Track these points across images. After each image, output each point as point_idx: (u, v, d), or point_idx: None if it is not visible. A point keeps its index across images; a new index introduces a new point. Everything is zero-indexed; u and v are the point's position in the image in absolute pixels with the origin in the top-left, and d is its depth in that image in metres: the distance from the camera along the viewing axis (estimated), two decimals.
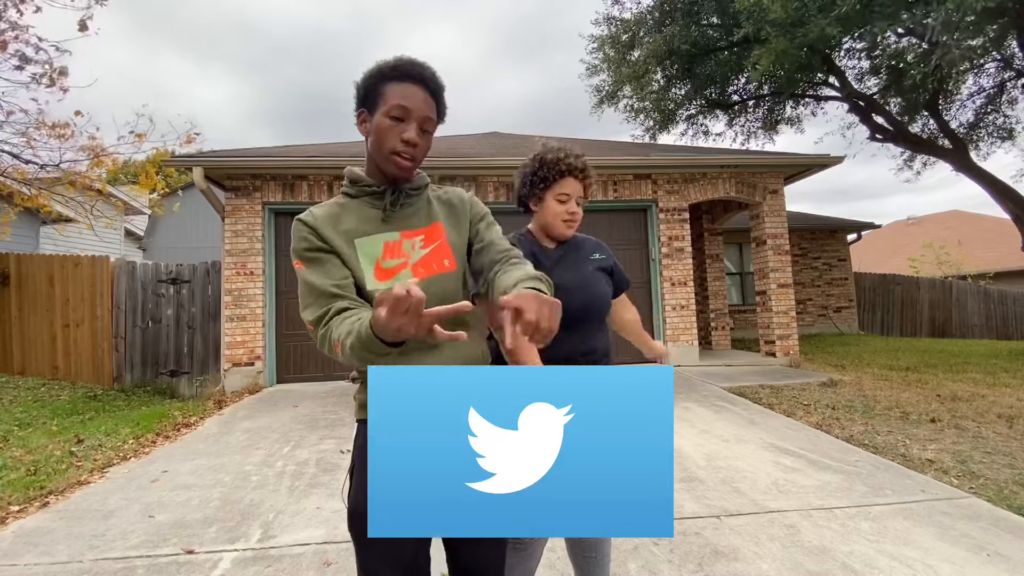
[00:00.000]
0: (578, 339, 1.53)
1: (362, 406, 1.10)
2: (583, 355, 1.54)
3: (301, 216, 1.10)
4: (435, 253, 1.12)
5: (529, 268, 1.05)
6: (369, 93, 1.09)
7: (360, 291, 1.07)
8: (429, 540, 1.11)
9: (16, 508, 2.87)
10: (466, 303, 0.82)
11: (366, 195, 1.13)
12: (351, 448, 1.13)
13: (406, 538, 1.02)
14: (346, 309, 1.00)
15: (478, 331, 1.16)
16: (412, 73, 1.07)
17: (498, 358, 1.46)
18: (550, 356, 1.43)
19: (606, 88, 11.44)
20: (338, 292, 1.02)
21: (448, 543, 1.16)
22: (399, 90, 1.06)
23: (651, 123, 11.68)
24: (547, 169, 1.52)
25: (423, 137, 1.09)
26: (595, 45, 11.20)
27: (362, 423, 1.10)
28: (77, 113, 6.91)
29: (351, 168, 1.17)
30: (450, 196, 1.23)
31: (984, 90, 10.08)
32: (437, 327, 0.82)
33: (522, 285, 0.92)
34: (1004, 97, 9.95)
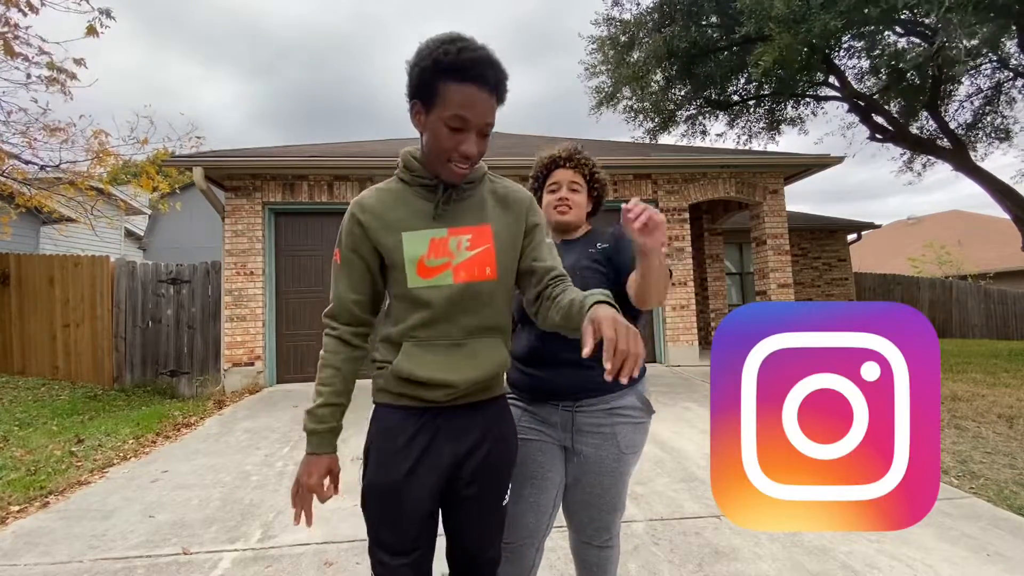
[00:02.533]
0: (562, 336, 1.42)
1: (379, 390, 1.14)
2: (567, 352, 1.36)
3: (354, 205, 1.11)
4: (479, 258, 1.09)
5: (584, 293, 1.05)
6: (424, 86, 0.99)
7: (399, 285, 1.08)
8: (436, 520, 1.13)
9: (16, 508, 2.87)
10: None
11: (419, 184, 1.10)
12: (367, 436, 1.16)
13: (412, 515, 1.08)
14: (344, 342, 1.14)
15: (503, 338, 1.16)
16: (476, 73, 0.97)
17: (516, 385, 1.48)
18: (539, 354, 1.42)
19: (606, 89, 11.43)
20: (355, 311, 1.13)
21: (449, 527, 1.18)
22: (460, 95, 0.97)
23: (651, 124, 11.67)
24: (538, 169, 1.58)
25: (481, 144, 1.03)
26: (594, 46, 11.19)
27: (380, 406, 1.15)
28: (81, 116, 6.92)
29: (408, 152, 1.13)
30: (507, 192, 1.17)
31: (982, 91, 10.08)
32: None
33: (590, 300, 0.95)
34: (1002, 98, 9.95)
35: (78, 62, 6.25)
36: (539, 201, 1.57)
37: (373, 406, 1.16)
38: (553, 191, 1.54)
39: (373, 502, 1.11)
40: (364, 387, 1.06)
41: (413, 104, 1.04)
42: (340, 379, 1.11)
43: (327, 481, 1.12)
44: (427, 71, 0.98)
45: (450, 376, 1.07)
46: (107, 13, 5.96)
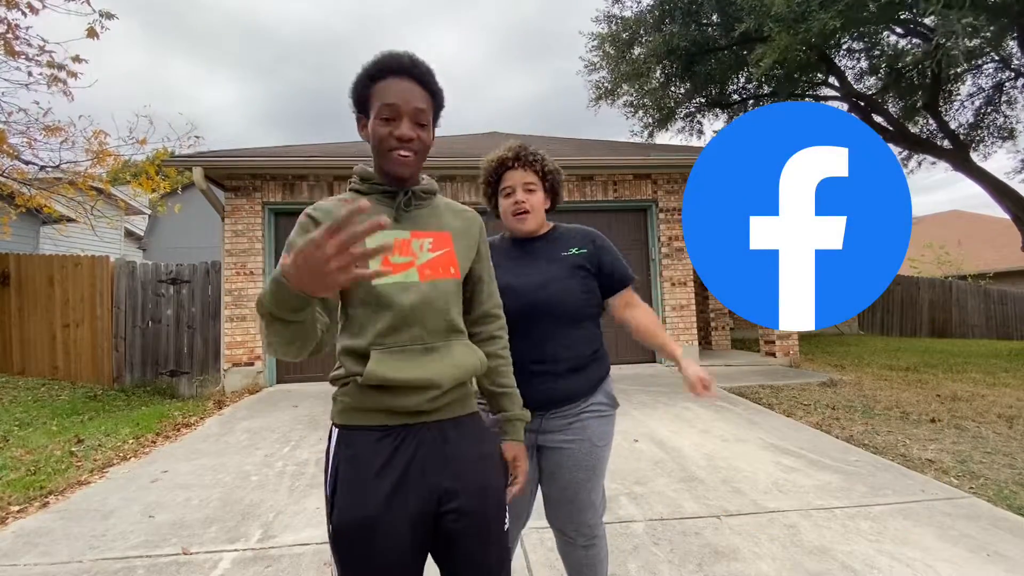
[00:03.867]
0: (528, 345, 1.40)
1: (344, 410, 1.02)
2: (533, 362, 1.40)
3: (309, 209, 1.06)
4: (442, 259, 1.11)
5: (509, 375, 1.25)
6: (361, 98, 1.08)
7: (361, 289, 1.02)
8: (421, 568, 1.01)
9: (16, 508, 2.87)
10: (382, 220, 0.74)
11: (377, 192, 1.10)
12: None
13: (392, 554, 0.94)
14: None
15: (469, 341, 1.15)
16: (393, 67, 1.05)
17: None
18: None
19: (605, 85, 11.43)
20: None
21: (441, 563, 1.06)
22: (384, 88, 1.04)
23: (650, 120, 11.67)
24: (487, 173, 1.53)
25: (419, 130, 1.06)
26: (595, 43, 11.20)
27: (344, 430, 1.02)
28: (80, 117, 6.93)
29: (362, 166, 1.15)
30: (464, 211, 1.22)
31: (983, 90, 10.08)
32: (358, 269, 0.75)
33: (509, 426, 1.23)
34: (1003, 98, 9.95)
35: (76, 59, 6.24)
36: (495, 207, 1.56)
37: (334, 433, 1.03)
38: (508, 195, 1.49)
39: (344, 546, 0.95)
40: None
41: (358, 120, 1.11)
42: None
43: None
44: (360, 83, 1.07)
45: (432, 375, 1.01)
46: (108, 15, 5.96)
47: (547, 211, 1.55)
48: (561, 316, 1.45)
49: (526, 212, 1.47)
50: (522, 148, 1.49)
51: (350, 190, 1.15)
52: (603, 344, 1.57)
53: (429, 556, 1.05)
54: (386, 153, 1.05)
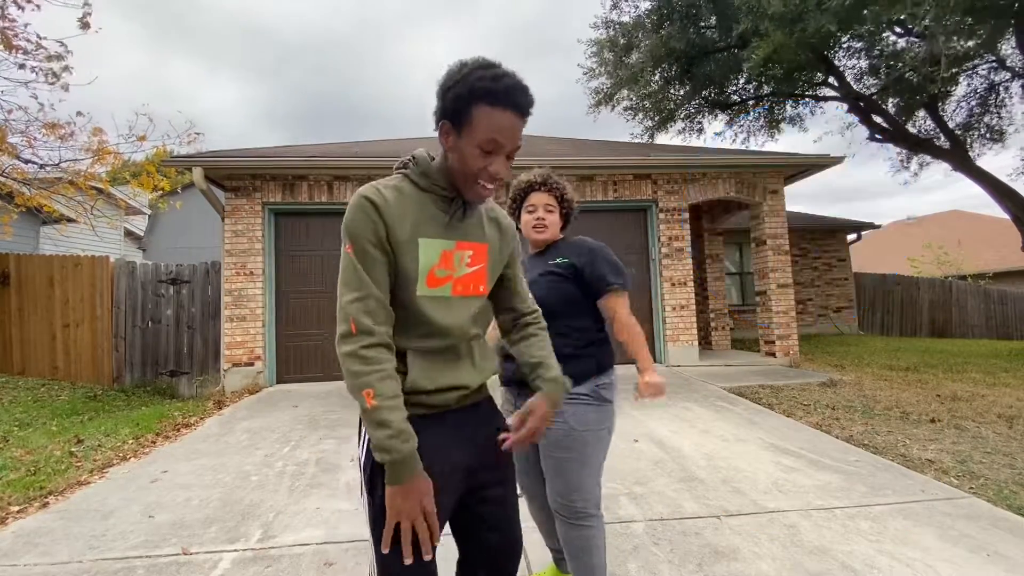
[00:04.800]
0: None
1: None
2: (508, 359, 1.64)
3: (369, 195, 1.02)
4: (475, 275, 1.13)
5: (547, 347, 1.28)
6: (458, 110, 1.00)
7: (405, 292, 1.04)
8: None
9: (16, 508, 2.87)
10: None
11: (435, 192, 1.09)
12: (360, 456, 1.08)
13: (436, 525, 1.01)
14: (390, 348, 1.01)
15: (485, 349, 1.22)
16: (511, 101, 0.99)
17: (510, 381, 1.74)
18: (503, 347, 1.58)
19: (604, 90, 11.44)
20: (387, 307, 1.02)
21: (473, 540, 1.17)
22: (494, 121, 0.99)
23: (650, 122, 11.67)
24: (516, 192, 1.85)
25: (507, 165, 1.06)
26: (593, 49, 11.20)
27: None
28: (78, 114, 6.92)
29: (424, 154, 1.11)
30: (498, 216, 1.23)
31: (977, 92, 10.08)
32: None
33: (541, 383, 1.22)
34: (998, 98, 9.95)
35: (61, 44, 6.24)
36: (517, 220, 1.85)
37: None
38: (531, 212, 1.80)
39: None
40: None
41: (442, 124, 1.04)
42: (400, 390, 1.00)
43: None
44: (462, 96, 0.99)
45: (462, 380, 1.10)
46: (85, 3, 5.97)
47: (560, 230, 1.84)
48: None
49: (544, 227, 1.78)
50: (548, 176, 1.81)
51: (405, 176, 1.10)
52: (598, 344, 1.74)
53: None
54: (472, 183, 1.04)
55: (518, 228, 1.82)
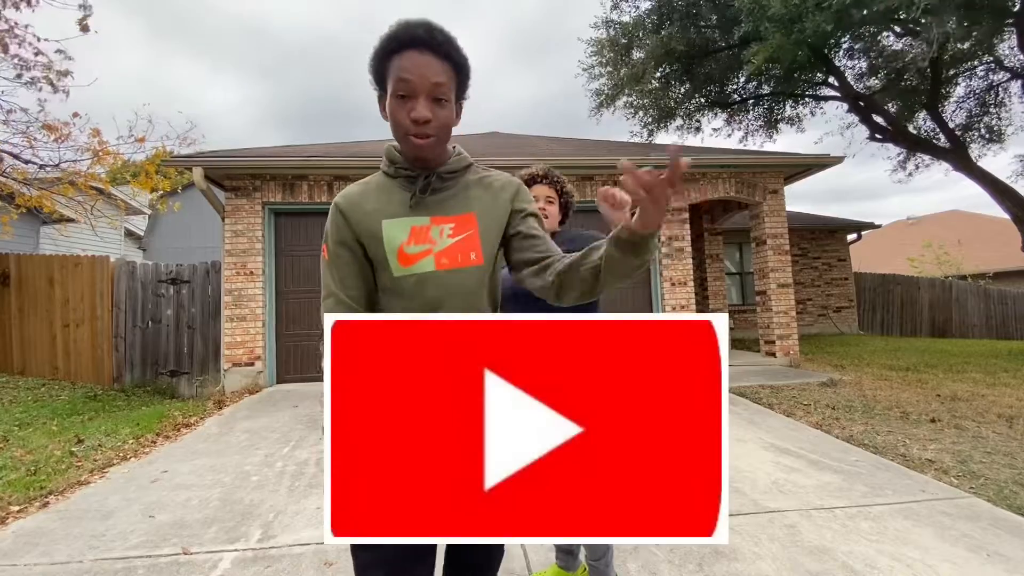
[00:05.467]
0: None
1: None
2: None
3: (336, 199, 1.08)
4: (463, 244, 1.06)
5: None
6: (377, 74, 1.02)
7: (383, 276, 1.05)
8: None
9: (16, 508, 2.87)
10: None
11: (401, 176, 1.09)
12: None
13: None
14: None
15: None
16: (408, 39, 0.97)
17: None
18: None
19: (605, 91, 11.44)
20: (348, 304, 1.05)
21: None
22: (401, 62, 0.97)
23: (649, 120, 11.67)
24: None
25: (437, 107, 0.99)
26: (594, 49, 11.20)
27: None
28: (75, 115, 6.92)
29: (390, 146, 1.12)
30: (492, 180, 1.14)
31: (975, 93, 10.09)
32: None
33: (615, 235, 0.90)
34: (997, 99, 9.96)
35: (61, 52, 6.25)
36: None
37: None
38: None
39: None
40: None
41: (378, 95, 1.05)
42: None
43: None
44: (377, 57, 1.00)
45: None
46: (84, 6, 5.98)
47: (559, 223, 1.89)
48: (529, 299, 1.55)
49: (545, 217, 1.79)
50: (549, 169, 1.88)
51: (381, 172, 1.13)
52: None
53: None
54: (403, 137, 1.01)
55: None
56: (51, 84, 6.24)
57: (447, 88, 0.99)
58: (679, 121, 11.76)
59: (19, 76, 6.12)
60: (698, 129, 11.95)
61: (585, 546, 1.71)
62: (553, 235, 1.85)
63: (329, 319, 0.86)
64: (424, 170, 1.06)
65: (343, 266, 1.06)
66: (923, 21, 7.01)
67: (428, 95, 0.97)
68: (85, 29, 5.99)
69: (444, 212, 1.07)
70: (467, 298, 1.06)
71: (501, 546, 1.17)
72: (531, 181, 1.87)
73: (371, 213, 1.05)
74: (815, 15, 6.95)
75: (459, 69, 1.01)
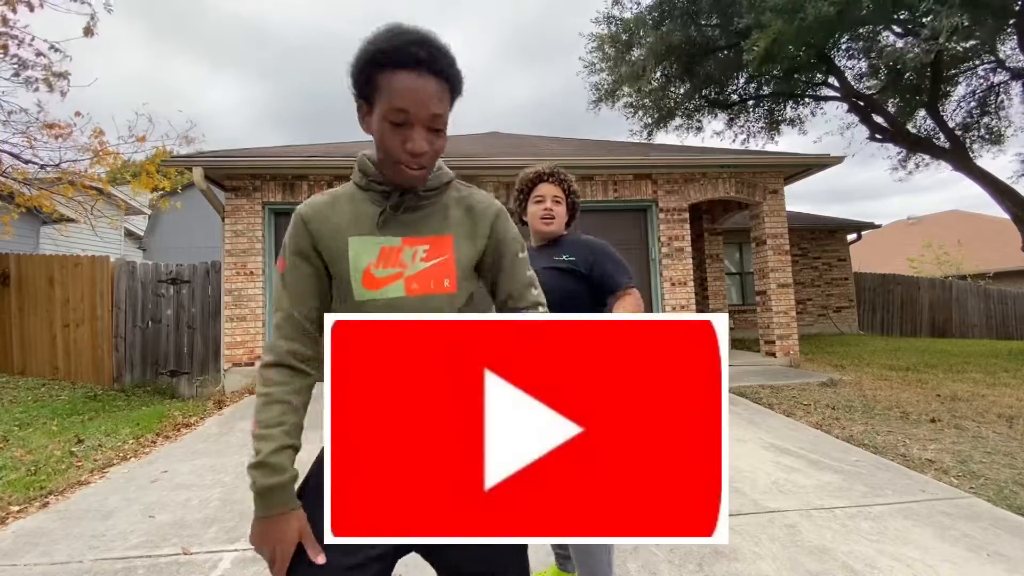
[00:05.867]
0: None
1: None
2: None
3: (300, 209, 0.98)
4: (436, 269, 0.97)
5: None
6: (362, 83, 0.90)
7: (344, 298, 0.96)
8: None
9: (16, 508, 2.87)
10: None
11: (373, 189, 0.99)
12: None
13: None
14: (291, 369, 0.95)
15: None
16: (408, 58, 0.85)
17: None
18: None
19: (605, 86, 11.44)
20: (304, 328, 0.95)
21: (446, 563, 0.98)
22: (396, 84, 0.86)
23: (649, 120, 11.68)
24: (523, 183, 1.85)
25: (434, 137, 0.91)
26: (594, 44, 11.21)
27: None
28: (77, 114, 6.93)
29: (364, 155, 1.02)
30: (472, 201, 1.05)
31: (976, 92, 10.09)
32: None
33: None
34: (997, 99, 9.96)
35: (58, 50, 6.26)
36: (524, 211, 1.85)
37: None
38: (539, 202, 1.81)
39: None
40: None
41: (359, 105, 0.93)
42: (293, 416, 0.93)
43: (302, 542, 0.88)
44: (363, 65, 0.88)
45: None
46: (107, 8, 5.98)
47: (565, 224, 1.84)
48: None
49: (552, 218, 1.79)
50: (557, 168, 1.83)
51: (352, 182, 1.03)
52: None
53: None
54: (394, 164, 0.92)
55: (524, 221, 1.85)
56: (48, 85, 6.24)
57: (445, 116, 0.91)
58: (679, 121, 11.77)
59: (17, 75, 6.12)
60: (699, 129, 11.95)
61: (572, 550, 1.63)
62: (558, 240, 1.82)
63: (289, 331, 0.91)
64: (399, 189, 0.97)
65: (301, 280, 0.96)
66: (927, 14, 7.00)
67: (425, 126, 0.89)
68: (89, 33, 5.99)
69: (418, 232, 0.98)
70: None
71: (504, 558, 1.02)
72: (537, 179, 1.82)
73: (337, 227, 0.96)
74: (816, 2, 6.94)
75: (455, 89, 0.92)
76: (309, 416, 1.00)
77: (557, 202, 1.80)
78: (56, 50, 6.27)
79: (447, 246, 0.99)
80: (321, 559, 0.85)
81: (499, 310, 1.07)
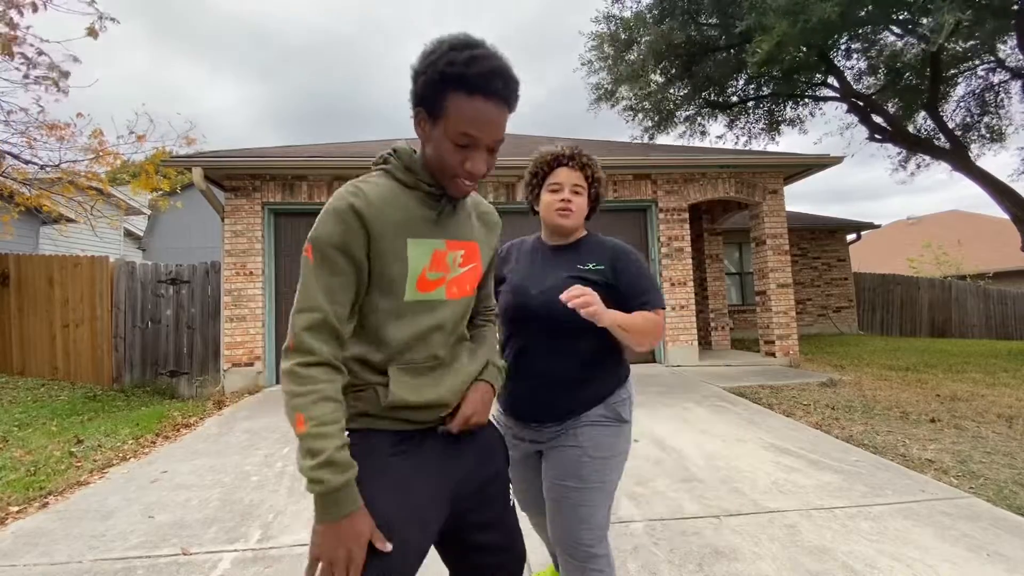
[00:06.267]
0: (519, 353, 1.46)
1: (358, 415, 0.97)
2: (524, 374, 1.42)
3: (354, 200, 0.92)
4: (469, 274, 1.05)
5: (491, 343, 1.18)
6: (429, 97, 0.90)
7: (386, 297, 0.96)
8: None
9: (16, 508, 2.87)
10: None
11: (421, 189, 0.99)
12: None
13: (423, 544, 0.96)
14: (334, 368, 0.92)
15: (469, 350, 1.12)
16: (486, 87, 0.87)
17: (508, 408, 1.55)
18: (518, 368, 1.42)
19: (605, 86, 11.44)
20: (340, 327, 0.92)
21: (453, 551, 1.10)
22: (469, 110, 0.87)
23: (649, 122, 11.67)
24: (538, 165, 1.52)
25: (491, 161, 0.95)
26: (594, 43, 11.21)
27: (356, 433, 0.96)
28: (79, 115, 6.92)
29: (407, 148, 1.00)
30: (487, 213, 1.15)
31: (976, 92, 10.10)
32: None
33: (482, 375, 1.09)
34: (997, 99, 9.97)
35: (68, 55, 6.27)
36: (536, 199, 1.54)
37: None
38: (554, 191, 1.48)
39: (393, 535, 0.89)
40: None
41: (417, 112, 0.93)
42: (343, 413, 0.90)
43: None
44: (433, 82, 0.87)
45: (443, 395, 1.00)
46: (111, 19, 5.99)
47: (585, 219, 1.53)
48: (549, 323, 1.39)
49: (570, 211, 1.47)
50: (578, 149, 1.50)
51: (383, 171, 1.01)
52: (616, 362, 1.50)
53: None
54: (450, 177, 0.95)
55: (535, 211, 1.57)
56: (56, 85, 6.24)
57: (500, 143, 0.95)
58: (681, 128, 11.77)
59: (26, 76, 6.12)
60: (703, 133, 11.96)
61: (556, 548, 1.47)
62: (577, 243, 1.52)
63: (325, 333, 0.91)
64: (443, 188, 0.99)
65: (339, 274, 0.91)
66: (927, 13, 7.00)
67: (488, 149, 0.93)
68: (93, 33, 5.99)
69: (455, 236, 1.02)
70: (456, 326, 1.06)
71: (516, 532, 1.16)
72: (555, 163, 1.49)
73: (395, 226, 0.94)
74: (820, 3, 6.94)
75: (511, 111, 0.95)
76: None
77: (577, 192, 1.47)
78: (69, 55, 6.29)
79: (476, 253, 1.07)
80: (389, 546, 0.86)
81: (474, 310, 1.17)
